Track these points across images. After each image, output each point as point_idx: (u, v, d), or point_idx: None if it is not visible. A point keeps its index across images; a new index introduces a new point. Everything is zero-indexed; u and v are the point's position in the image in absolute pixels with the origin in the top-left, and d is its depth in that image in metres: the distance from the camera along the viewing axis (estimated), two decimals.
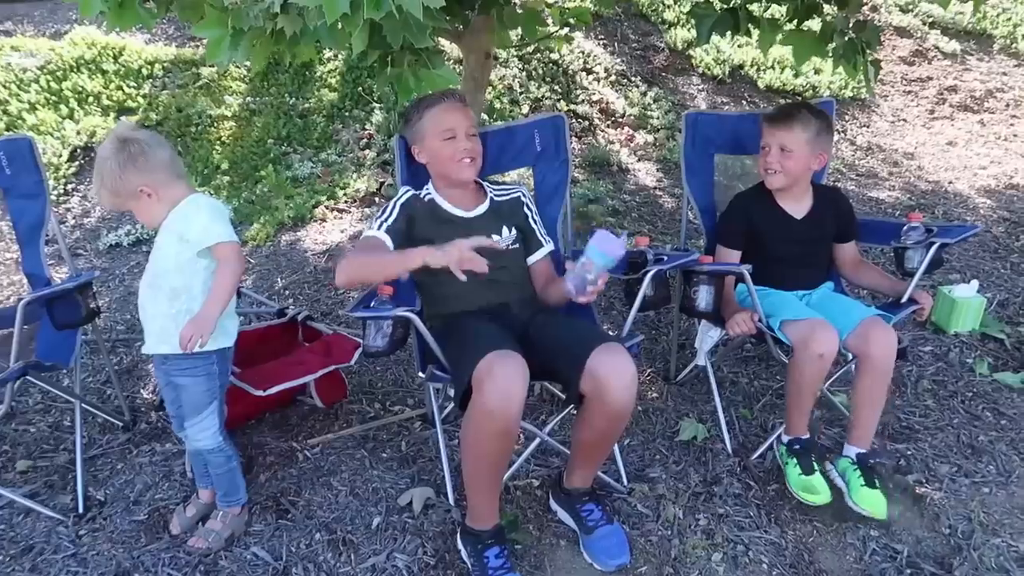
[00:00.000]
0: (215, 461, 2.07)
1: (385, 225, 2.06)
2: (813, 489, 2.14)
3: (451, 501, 2.21)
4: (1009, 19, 7.25)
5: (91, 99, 4.93)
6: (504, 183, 2.33)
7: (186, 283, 1.90)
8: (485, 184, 2.27)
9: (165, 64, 5.32)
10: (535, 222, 2.29)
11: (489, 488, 1.94)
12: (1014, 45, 7.04)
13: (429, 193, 2.19)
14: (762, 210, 2.44)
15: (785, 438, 2.27)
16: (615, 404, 1.85)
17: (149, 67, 5.28)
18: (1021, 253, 3.86)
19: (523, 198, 2.30)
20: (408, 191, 2.16)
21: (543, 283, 2.25)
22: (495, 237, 2.12)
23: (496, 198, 2.25)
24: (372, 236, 2.05)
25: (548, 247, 2.30)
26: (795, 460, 2.20)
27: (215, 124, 4.90)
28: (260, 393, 2.26)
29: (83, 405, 2.40)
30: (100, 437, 2.56)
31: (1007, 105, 6.35)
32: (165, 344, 1.95)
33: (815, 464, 2.19)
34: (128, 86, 5.09)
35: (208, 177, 4.50)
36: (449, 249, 1.72)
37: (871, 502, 2.10)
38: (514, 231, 2.22)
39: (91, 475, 2.37)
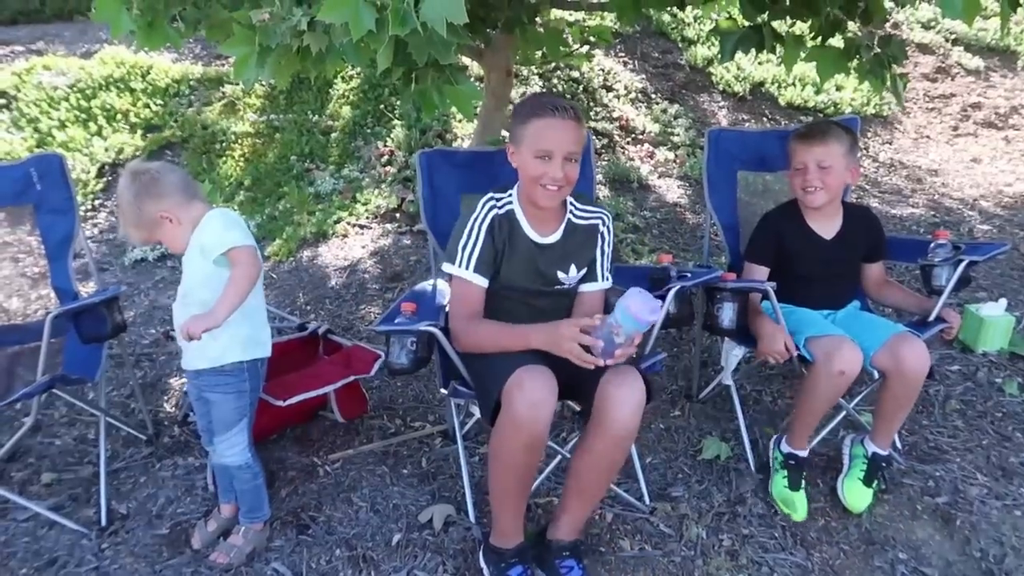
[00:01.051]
0: (242, 477, 2.08)
1: (473, 261, 1.94)
2: (792, 505, 2.22)
3: (472, 518, 2.19)
4: None
5: (119, 116, 5.01)
6: (591, 205, 2.12)
7: (214, 296, 1.90)
8: (569, 201, 2.07)
9: (191, 83, 5.41)
10: (603, 254, 2.10)
11: (516, 504, 1.92)
12: None
13: (511, 202, 2.02)
14: (792, 229, 2.42)
15: (784, 448, 2.29)
16: (617, 425, 1.80)
17: (176, 85, 5.37)
18: None
19: (602, 227, 2.09)
20: (490, 204, 1.99)
21: (583, 314, 2.06)
22: (560, 275, 2.02)
23: (575, 220, 2.06)
24: (466, 283, 1.96)
25: (604, 284, 2.11)
26: (786, 472, 2.26)
27: (239, 141, 4.96)
28: (280, 403, 2.27)
29: (107, 419, 2.42)
30: (124, 451, 2.58)
31: None
32: (199, 360, 1.97)
33: (803, 482, 2.25)
34: (155, 104, 5.18)
35: (231, 194, 4.56)
36: (561, 344, 1.75)
37: (856, 495, 2.21)
38: (582, 270, 2.06)
39: (114, 488, 2.38)
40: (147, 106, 5.14)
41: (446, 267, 1.99)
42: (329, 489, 2.37)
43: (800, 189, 2.36)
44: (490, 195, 2.02)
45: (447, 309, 2.28)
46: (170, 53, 5.69)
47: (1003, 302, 3.05)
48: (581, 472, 1.93)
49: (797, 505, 2.21)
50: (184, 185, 1.96)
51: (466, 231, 1.96)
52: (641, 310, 1.66)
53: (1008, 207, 4.77)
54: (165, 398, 2.88)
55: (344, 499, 2.32)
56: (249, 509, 2.12)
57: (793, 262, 2.40)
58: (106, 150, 4.72)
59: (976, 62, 6.83)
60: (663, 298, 2.13)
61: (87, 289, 3.05)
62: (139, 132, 4.94)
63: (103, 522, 2.22)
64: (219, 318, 1.84)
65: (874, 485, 2.24)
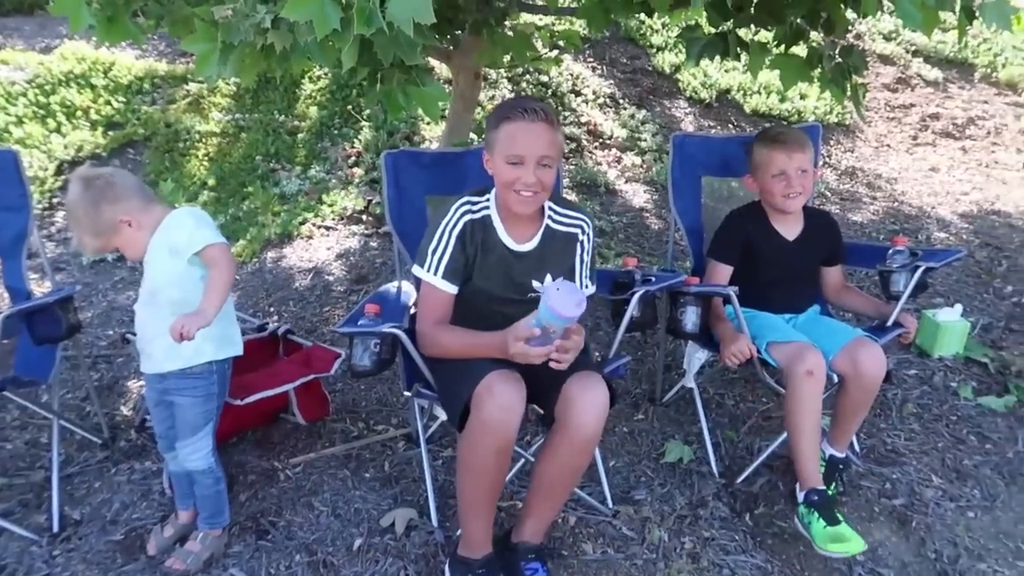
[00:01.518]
0: (204, 482, 2.04)
1: (441, 268, 1.91)
2: (843, 538, 1.97)
3: (434, 523, 2.17)
4: (990, 48, 7.37)
5: (79, 113, 4.90)
6: (571, 209, 2.06)
7: (185, 296, 1.88)
8: (547, 205, 2.01)
9: (155, 80, 5.32)
10: (582, 262, 2.06)
11: (485, 512, 1.91)
12: (994, 74, 7.16)
13: (487, 207, 1.97)
14: (757, 228, 2.45)
15: (800, 495, 2.12)
16: (580, 430, 1.80)
17: (139, 82, 5.27)
18: (1003, 278, 3.89)
19: (581, 235, 2.04)
20: (464, 208, 1.94)
21: None
22: (534, 283, 1.98)
23: (553, 225, 2.01)
24: (433, 288, 1.93)
25: (587, 292, 2.06)
26: (817, 514, 2.04)
27: (203, 140, 4.88)
28: (238, 403, 2.22)
29: (61, 422, 2.36)
30: (78, 455, 2.51)
31: (988, 133, 6.44)
32: (170, 361, 1.93)
33: (837, 514, 2.04)
34: (117, 101, 5.07)
35: (195, 193, 4.48)
36: (514, 357, 1.73)
37: (840, 540, 1.97)
38: (559, 279, 1.96)
39: (67, 494, 2.32)
40: (108, 103, 5.03)
41: (415, 269, 1.97)
42: (290, 493, 2.33)
43: (781, 196, 2.36)
44: (466, 199, 1.96)
45: (412, 311, 2.27)
46: (133, 49, 5.58)
47: (958, 308, 3.11)
48: (545, 476, 1.93)
49: (847, 535, 1.97)
50: (140, 188, 1.93)
51: (436, 235, 1.93)
52: (563, 306, 1.62)
53: (964, 215, 4.89)
54: (122, 401, 2.82)
55: (305, 503, 2.29)
56: (210, 515, 2.08)
57: (757, 263, 2.42)
58: (65, 147, 4.61)
59: (935, 73, 6.98)
60: (627, 302, 2.14)
61: (42, 289, 2.97)
62: (100, 129, 4.84)
63: (55, 528, 2.16)
64: (209, 316, 1.81)
65: (832, 488, 2.25)
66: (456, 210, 1.94)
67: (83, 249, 1.95)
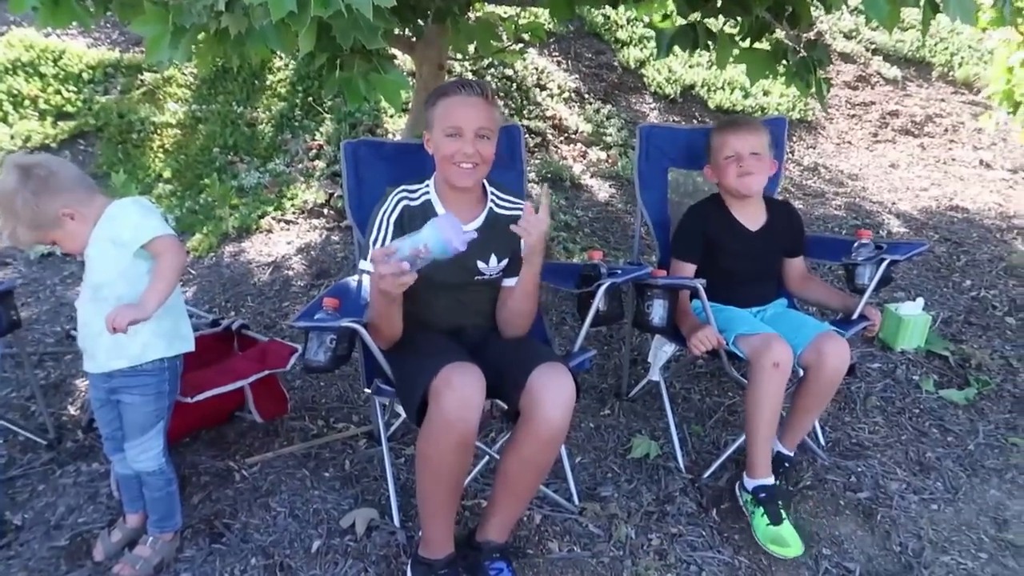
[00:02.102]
0: (154, 484, 1.95)
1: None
2: (783, 542, 2.04)
3: (396, 523, 2.11)
4: (947, 48, 7.51)
5: (27, 103, 4.71)
6: (510, 195, 2.07)
7: (131, 290, 1.79)
8: (490, 190, 2.04)
9: (107, 69, 5.14)
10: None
11: (446, 511, 1.85)
12: (951, 73, 7.29)
13: (427, 192, 1.98)
14: (718, 220, 2.42)
15: (749, 484, 2.15)
16: (547, 424, 1.75)
17: (91, 71, 5.08)
18: (962, 272, 3.95)
19: None
20: (400, 197, 1.95)
21: (505, 306, 2.05)
22: (479, 264, 1.96)
23: (496, 209, 2.02)
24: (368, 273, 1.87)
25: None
26: (762, 509, 2.09)
27: (158, 131, 4.73)
28: (188, 400, 2.13)
29: (2, 422, 2.25)
30: (21, 456, 2.40)
31: (945, 130, 6.56)
32: (115, 360, 1.84)
33: (782, 513, 2.08)
34: (67, 90, 4.89)
35: (149, 186, 4.34)
36: (379, 282, 1.68)
37: (780, 544, 2.04)
38: (503, 260, 2.00)
39: (9, 497, 2.21)
40: (58, 92, 4.85)
41: (361, 265, 1.93)
42: (245, 494, 2.25)
43: (735, 177, 2.34)
44: (402, 188, 1.98)
45: None
46: (85, 38, 5.40)
47: (920, 301, 3.14)
48: (510, 472, 1.88)
49: (787, 539, 2.03)
50: (82, 178, 1.83)
51: (375, 226, 1.93)
52: (453, 236, 1.58)
53: (923, 211, 4.95)
54: (69, 400, 2.70)
55: (261, 504, 2.21)
56: (160, 518, 1.99)
57: (720, 255, 2.40)
58: (12, 138, 4.43)
59: (894, 72, 7.09)
60: (593, 295, 2.10)
61: None
62: (49, 120, 4.66)
63: None
64: (148, 310, 1.73)
65: (784, 513, 2.11)
66: (393, 198, 1.95)
67: (15, 242, 1.83)
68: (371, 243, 1.92)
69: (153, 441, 1.92)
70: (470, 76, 5.49)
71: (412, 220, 1.92)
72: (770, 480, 2.15)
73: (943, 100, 6.97)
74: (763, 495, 2.12)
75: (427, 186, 1.99)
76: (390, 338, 1.91)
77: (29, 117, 4.65)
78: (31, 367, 2.59)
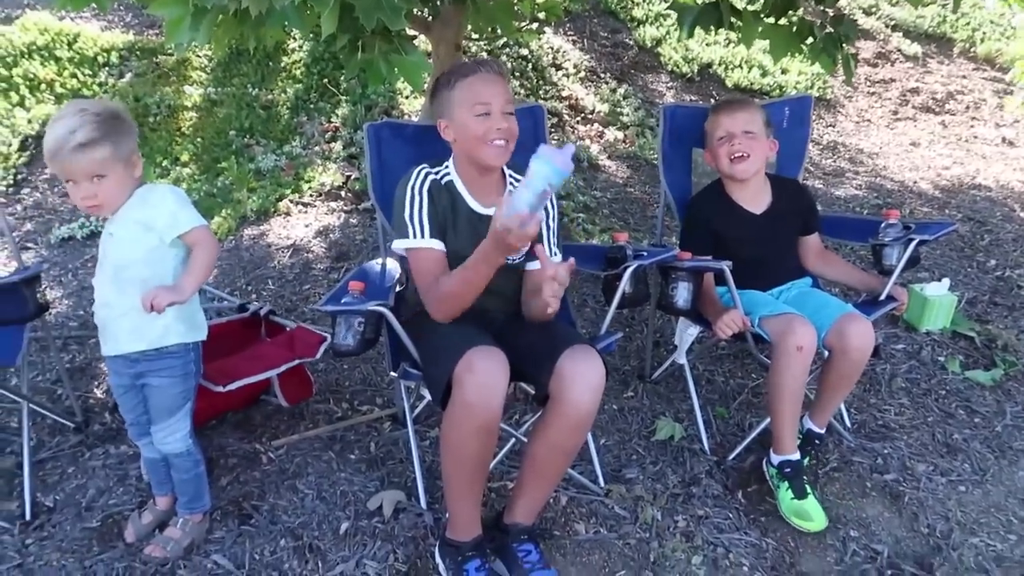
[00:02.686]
0: (183, 466, 1.97)
1: (426, 228, 1.87)
2: (807, 515, 2.07)
3: (423, 505, 2.12)
4: (968, 23, 7.39)
5: (43, 87, 4.73)
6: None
7: (156, 272, 1.81)
8: (508, 173, 2.01)
9: (122, 52, 5.14)
10: (548, 228, 2.02)
11: (471, 493, 1.85)
12: (972, 49, 7.18)
13: (448, 174, 1.95)
14: (721, 209, 2.40)
15: (775, 459, 2.17)
16: (577, 407, 1.75)
17: (105, 55, 5.09)
18: (986, 252, 3.90)
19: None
20: (424, 171, 1.93)
21: (531, 291, 2.00)
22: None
23: None
24: (425, 251, 1.88)
25: (554, 260, 1.99)
26: (787, 483, 2.12)
27: (175, 114, 4.73)
28: (220, 389, 2.15)
29: (31, 405, 2.26)
30: (50, 439, 2.42)
31: (967, 107, 6.46)
32: (140, 340, 1.85)
33: (807, 487, 2.12)
34: (83, 74, 4.90)
35: (167, 169, 4.34)
36: (506, 238, 1.59)
37: (803, 517, 2.07)
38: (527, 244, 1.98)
39: (40, 480, 2.23)
40: (74, 76, 4.86)
41: (399, 244, 1.91)
42: (273, 476, 2.26)
43: (727, 159, 2.33)
44: (423, 166, 1.95)
45: (398, 289, 2.20)
46: (99, 20, 5.40)
47: (946, 282, 3.08)
48: (538, 456, 1.88)
49: (811, 512, 2.07)
50: None
51: (407, 201, 1.90)
52: (561, 160, 1.53)
53: (945, 189, 4.89)
54: (95, 383, 2.72)
55: (289, 487, 2.22)
56: (189, 499, 2.01)
57: (728, 245, 2.34)
58: (29, 122, 4.45)
59: (915, 48, 6.98)
60: (619, 277, 2.09)
61: (8, 268, 2.85)
62: (64, 103, 4.66)
63: (27, 516, 2.08)
64: (186, 294, 1.77)
65: (806, 460, 2.20)
66: (417, 174, 1.93)
67: (85, 164, 1.72)
68: (406, 219, 1.88)
69: (181, 423, 1.93)
70: (485, 55, 5.45)
71: (440, 196, 1.91)
72: (796, 455, 2.16)
73: (964, 77, 6.86)
74: (788, 470, 2.14)
75: (447, 167, 1.97)
76: (463, 308, 1.86)
77: (46, 101, 4.66)
78: (56, 351, 2.60)
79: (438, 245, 1.89)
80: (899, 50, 6.97)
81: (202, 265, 1.82)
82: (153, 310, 1.70)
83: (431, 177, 1.93)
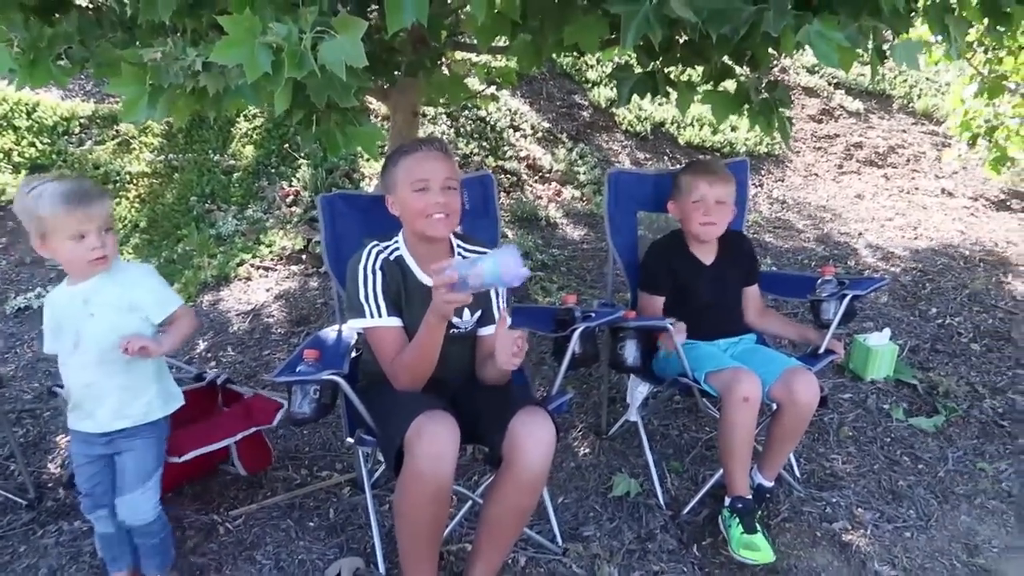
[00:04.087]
0: (153, 531, 1.98)
1: (381, 306, 1.93)
2: (754, 546, 2.11)
3: (382, 571, 2.12)
4: (905, 80, 7.76)
5: (1, 156, 4.73)
6: (477, 246, 2.13)
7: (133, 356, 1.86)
8: (456, 244, 2.10)
9: (82, 120, 5.18)
10: (498, 294, 2.08)
11: (428, 559, 1.87)
12: (911, 104, 7.53)
13: (397, 249, 2.02)
14: (678, 256, 2.53)
15: (727, 500, 2.23)
16: (529, 468, 1.79)
17: (65, 123, 5.12)
18: (928, 300, 4.06)
19: None
20: (375, 249, 1.99)
21: (485, 357, 2.06)
22: (453, 319, 1.95)
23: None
24: (383, 330, 1.94)
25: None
26: (738, 520, 2.17)
27: (134, 181, 4.77)
28: (176, 460, 2.15)
29: None
30: (1, 518, 2.38)
31: (907, 160, 6.75)
32: (122, 419, 1.90)
33: (757, 524, 2.16)
34: (42, 142, 4.92)
35: (126, 236, 4.36)
36: (440, 308, 1.74)
37: (752, 549, 2.11)
38: (476, 312, 2.03)
39: None
40: (32, 144, 4.88)
41: (357, 324, 1.97)
42: (230, 548, 2.25)
43: (699, 224, 2.46)
44: (372, 243, 2.02)
45: (354, 354, 2.24)
46: (58, 90, 5.43)
47: (887, 332, 3.23)
48: (493, 517, 1.91)
49: (759, 544, 2.11)
50: None
51: (360, 280, 1.95)
52: (514, 273, 1.62)
53: (890, 240, 5.09)
54: (49, 458, 2.69)
55: (246, 558, 2.21)
56: (161, 560, 2.04)
57: (683, 290, 2.49)
58: None
59: (856, 104, 7.31)
60: (568, 339, 2.15)
61: None
62: (23, 172, 4.68)
63: None
64: (161, 350, 1.87)
65: (757, 515, 2.22)
66: (368, 253, 1.99)
67: (89, 222, 1.79)
68: (361, 300, 1.93)
69: (153, 490, 1.96)
70: (444, 119, 5.59)
71: (392, 272, 1.97)
72: (748, 495, 2.22)
73: (904, 131, 7.19)
74: (740, 506, 2.19)
75: (396, 242, 2.04)
76: (426, 375, 1.92)
77: (3, 170, 4.66)
78: (9, 425, 2.58)
79: (395, 322, 1.94)
80: (842, 106, 7.29)
81: (184, 334, 1.95)
82: (126, 351, 1.79)
83: (382, 255, 1.99)
